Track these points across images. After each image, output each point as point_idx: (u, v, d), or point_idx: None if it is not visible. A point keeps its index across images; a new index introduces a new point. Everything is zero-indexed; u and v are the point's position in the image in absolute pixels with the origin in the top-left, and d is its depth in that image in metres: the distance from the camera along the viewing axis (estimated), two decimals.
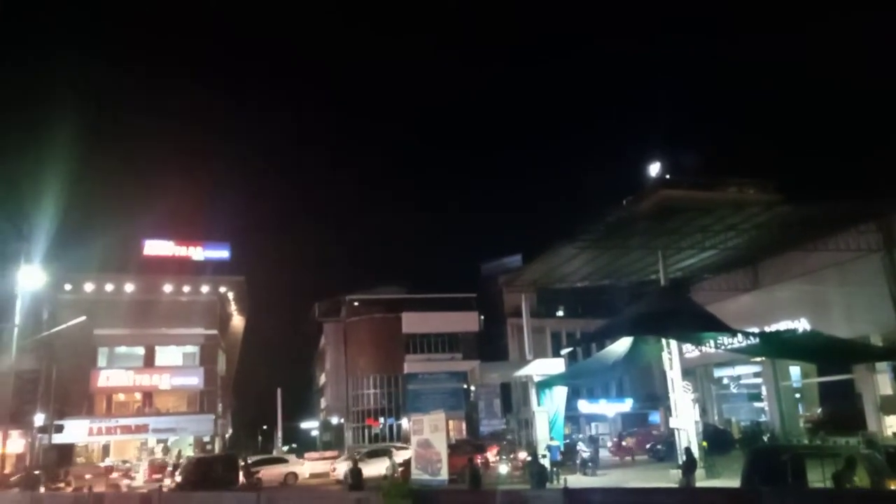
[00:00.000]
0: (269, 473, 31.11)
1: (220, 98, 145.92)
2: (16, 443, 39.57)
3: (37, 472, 34.64)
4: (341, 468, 31.53)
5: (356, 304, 63.19)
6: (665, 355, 24.62)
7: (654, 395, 45.74)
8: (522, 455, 30.33)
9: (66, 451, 45.82)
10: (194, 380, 51.05)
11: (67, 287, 47.65)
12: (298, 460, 34.91)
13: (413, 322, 58.49)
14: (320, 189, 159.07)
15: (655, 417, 47.93)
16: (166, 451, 48.16)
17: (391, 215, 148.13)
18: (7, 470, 32.95)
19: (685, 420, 23.58)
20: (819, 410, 32.21)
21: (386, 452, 33.87)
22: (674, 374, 24.29)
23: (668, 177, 22.40)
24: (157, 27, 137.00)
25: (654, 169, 22.85)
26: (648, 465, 30.46)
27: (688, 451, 20.65)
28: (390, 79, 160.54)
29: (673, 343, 24.67)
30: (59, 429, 43.49)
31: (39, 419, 42.16)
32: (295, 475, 31.26)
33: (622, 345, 26.14)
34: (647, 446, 34.93)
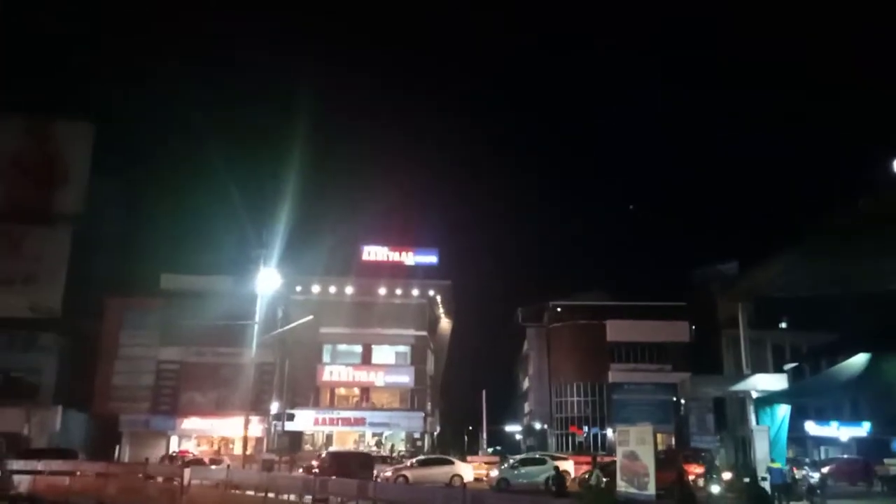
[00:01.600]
0: (435, 473, 31.00)
1: (425, 103, 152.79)
2: (255, 428, 44.60)
3: (271, 456, 38.76)
4: (494, 473, 32.16)
5: (559, 309, 62.91)
6: None
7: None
8: (727, 475, 28.31)
9: (296, 438, 50.82)
10: (405, 378, 54.02)
11: (298, 289, 52.65)
12: (464, 463, 34.40)
13: (618, 330, 57.03)
14: (524, 194, 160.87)
15: None
16: (379, 444, 51.49)
17: (596, 219, 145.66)
18: (248, 451, 37.15)
19: None
20: None
21: (445, 462, 33.38)
22: None
23: None
24: (371, 30, 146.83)
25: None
26: (887, 498, 26.93)
27: None
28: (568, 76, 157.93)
29: None
30: (291, 417, 48.29)
31: (274, 407, 47.23)
32: (461, 477, 30.87)
33: (858, 361, 23.42)
34: (883, 477, 31.25)
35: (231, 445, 48.14)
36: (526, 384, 74.62)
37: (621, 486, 22.71)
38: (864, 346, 22.73)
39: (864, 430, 42.83)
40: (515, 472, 31.78)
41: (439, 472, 31.32)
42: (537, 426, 65.02)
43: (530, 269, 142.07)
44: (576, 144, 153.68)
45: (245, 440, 35.57)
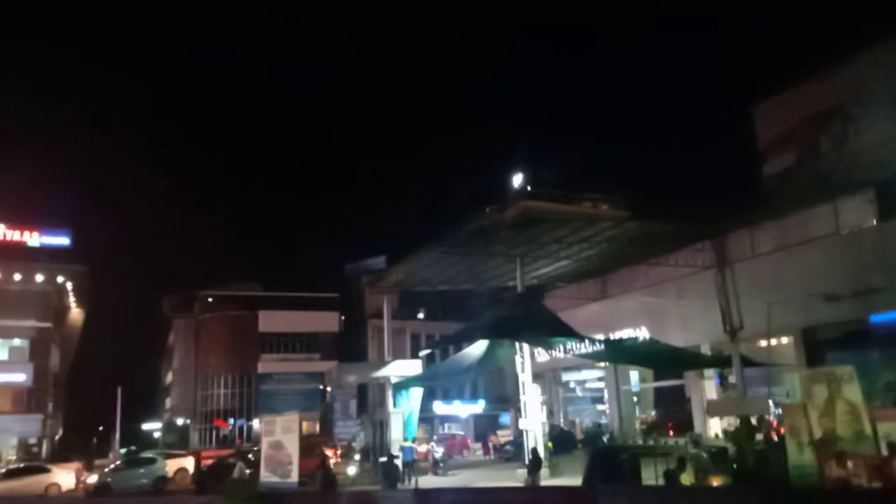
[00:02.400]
0: (28, 484, 26.96)
1: (68, 78, 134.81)
2: None
3: None
4: (93, 479, 28.40)
5: (210, 300, 60.42)
6: (518, 359, 25.56)
7: (505, 397, 47.21)
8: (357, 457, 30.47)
9: None
10: (22, 376, 46.65)
11: None
12: (61, 471, 30.04)
13: (270, 320, 56.83)
14: (176, 181, 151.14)
15: (506, 419, 49.58)
16: None
17: (253, 210, 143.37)
18: None
19: (533, 421, 24.57)
20: (654, 413, 34.68)
21: (41, 470, 29.64)
22: (525, 377, 25.27)
23: (529, 188, 23.30)
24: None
25: (518, 179, 23.68)
26: (497, 465, 31.43)
27: (534, 451, 21.52)
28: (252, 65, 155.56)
29: (525, 347, 25.69)
30: None
31: None
32: (58, 485, 27.60)
33: (478, 348, 26.89)
34: (495, 446, 36.68)
35: None
36: (169, 378, 70.13)
37: (265, 475, 22.70)
38: (483, 334, 26.07)
39: (480, 406, 49.30)
40: (119, 474, 28.28)
41: (33, 482, 27.29)
42: (179, 421, 61.57)
43: (180, 258, 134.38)
44: (245, 133, 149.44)
45: None
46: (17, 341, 48.00)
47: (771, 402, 20.87)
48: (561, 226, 24.55)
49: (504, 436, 40.34)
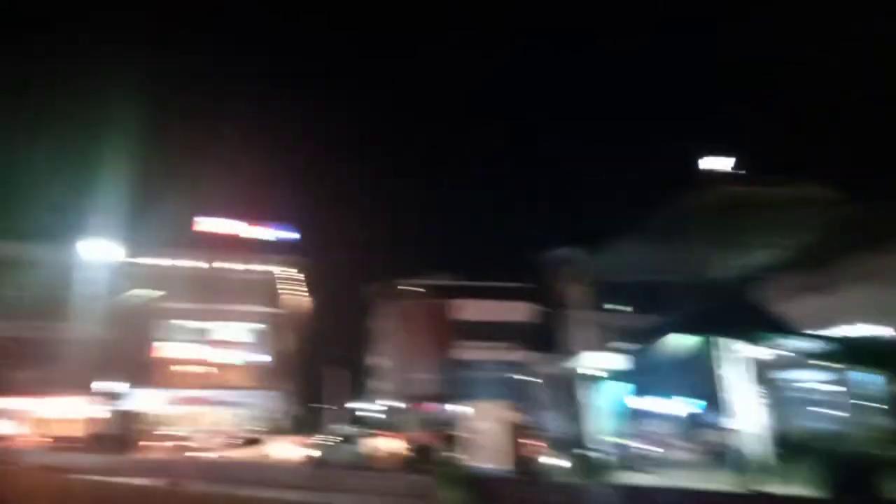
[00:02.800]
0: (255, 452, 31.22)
1: (277, 82, 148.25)
2: (88, 408, 41.72)
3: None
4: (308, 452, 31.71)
5: (412, 289, 63.80)
6: (724, 355, 24.17)
7: (713, 395, 44.70)
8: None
9: (136, 418, 48.02)
10: (258, 355, 52.64)
11: (140, 261, 49.62)
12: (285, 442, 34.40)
13: (467, 309, 58.71)
14: (385, 174, 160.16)
15: (713, 418, 46.88)
16: (231, 423, 49.88)
17: (449, 203, 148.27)
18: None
19: (747, 422, 23.15)
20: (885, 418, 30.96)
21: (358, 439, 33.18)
22: (734, 373, 23.83)
23: (731, 172, 21.89)
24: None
25: (718, 163, 22.35)
26: (705, 466, 29.90)
27: (747, 453, 20.27)
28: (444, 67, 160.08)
29: (733, 342, 24.18)
30: (129, 396, 45.68)
31: (110, 386, 44.30)
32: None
33: (681, 342, 25.81)
34: (705, 445, 34.73)
35: (58, 427, 44.77)
36: (379, 362, 75.09)
37: (473, 460, 23.66)
38: (683, 328, 24.99)
39: (685, 403, 47.11)
40: (331, 449, 31.58)
41: (258, 451, 31.44)
42: (393, 403, 65.72)
43: (387, 249, 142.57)
44: (430, 127, 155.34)
45: (81, 421, 33.24)
46: (252, 324, 54.20)
47: None
48: (769, 210, 22.76)
49: (714, 435, 38.28)
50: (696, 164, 22.88)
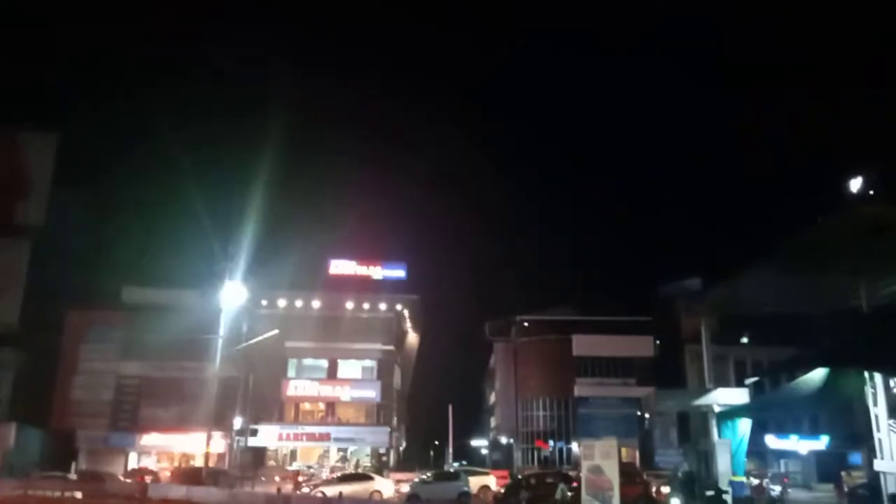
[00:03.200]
0: (355, 490, 30.13)
1: (398, 118, 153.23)
2: (217, 443, 43.82)
3: (231, 471, 37.94)
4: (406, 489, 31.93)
5: (526, 324, 63.20)
6: (868, 389, 22.16)
7: (854, 434, 41.13)
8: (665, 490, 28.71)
9: (259, 454, 50.06)
10: (371, 393, 53.68)
11: (264, 303, 52.12)
12: (383, 479, 34.34)
13: (584, 345, 57.45)
14: (494, 209, 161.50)
15: (857, 458, 43.10)
16: (344, 459, 50.96)
17: (564, 235, 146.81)
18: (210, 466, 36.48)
19: (892, 463, 21.03)
20: None
21: (365, 478, 33.05)
22: (879, 410, 21.77)
23: (871, 192, 20.22)
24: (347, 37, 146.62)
25: (857, 184, 20.74)
26: None
27: (893, 497, 18.38)
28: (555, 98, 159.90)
29: (878, 376, 22.13)
30: (254, 432, 47.45)
31: (237, 423, 46.48)
32: (380, 493, 30.60)
33: (817, 376, 23.93)
34: (846, 489, 31.91)
35: (192, 462, 47.30)
36: (493, 398, 74.65)
37: (586, 500, 22.82)
38: (822, 361, 23.16)
39: (822, 443, 43.61)
40: (427, 486, 30.96)
41: (359, 488, 30.51)
42: (503, 440, 64.98)
43: (498, 284, 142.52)
44: (545, 163, 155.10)
45: (207, 456, 34.91)
46: (367, 362, 55.45)
47: None
48: None
49: (858, 477, 35.14)
50: (835, 184, 21.36)
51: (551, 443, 58.26)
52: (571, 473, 36.55)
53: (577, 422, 56.07)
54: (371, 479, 33.08)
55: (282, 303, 53.20)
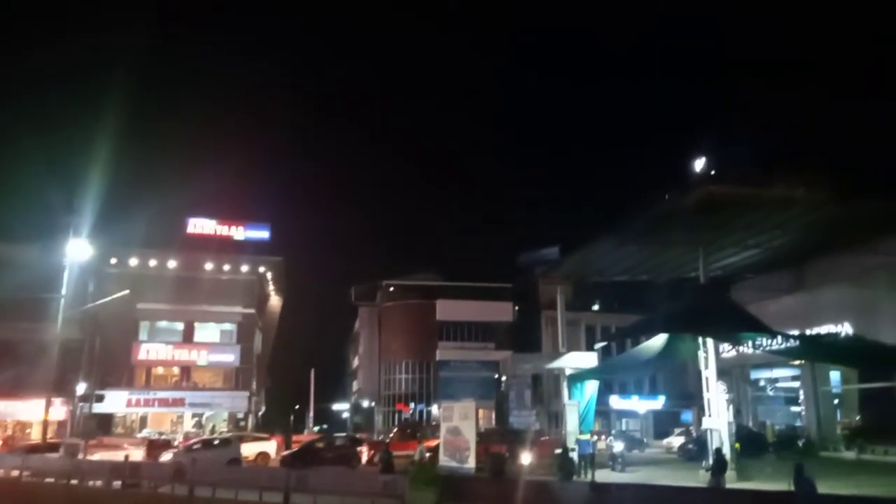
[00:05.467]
0: (218, 455, 27.77)
1: (265, 79, 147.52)
2: (58, 410, 40.85)
3: (76, 440, 35.57)
4: (166, 457, 28.40)
5: (391, 289, 63.52)
6: (701, 354, 24.24)
7: (687, 394, 45.10)
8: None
9: (106, 421, 47.25)
10: (231, 357, 52.06)
11: (113, 261, 48.85)
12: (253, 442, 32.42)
13: (447, 309, 58.59)
14: (361, 174, 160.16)
15: (688, 416, 47.30)
16: (199, 425, 49.30)
17: (429, 202, 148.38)
18: (49, 436, 33.97)
19: (718, 420, 23.21)
20: (858, 418, 31.42)
21: (226, 442, 30.59)
22: (709, 373, 23.91)
23: (713, 172, 21.87)
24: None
25: (699, 164, 22.34)
26: (678, 464, 30.07)
27: (718, 451, 20.32)
28: (434, 63, 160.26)
29: (709, 342, 24.26)
30: (100, 398, 44.74)
31: (81, 388, 43.51)
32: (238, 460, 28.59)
33: (657, 341, 25.84)
34: (678, 445, 34.87)
35: (28, 430, 43.88)
36: (356, 363, 74.78)
37: (444, 460, 23.52)
38: (663, 327, 24.99)
39: (659, 403, 47.43)
40: (194, 454, 27.55)
41: (221, 454, 28.22)
42: (365, 404, 65.46)
43: (364, 249, 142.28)
44: (422, 129, 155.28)
45: (45, 424, 32.43)
46: (226, 325, 53.56)
47: None
48: (749, 211, 22.82)
49: (689, 433, 38.47)
50: (679, 164, 22.87)
51: (412, 405, 59.33)
52: (360, 437, 36.83)
53: (438, 385, 57.36)
54: (229, 443, 31.56)
55: (133, 262, 50.10)
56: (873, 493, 16.52)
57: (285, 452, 31.02)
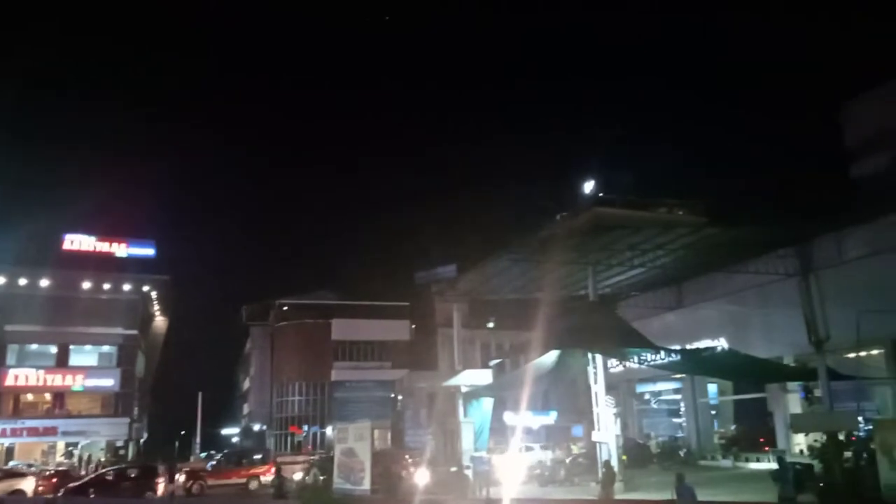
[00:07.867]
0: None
1: (151, 93, 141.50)
2: None
3: None
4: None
5: (285, 308, 61.98)
6: (590, 369, 25.01)
7: (578, 409, 46.30)
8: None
9: None
10: (110, 381, 49.01)
11: None
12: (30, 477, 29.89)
13: (343, 329, 57.88)
14: (253, 191, 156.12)
15: (579, 430, 48.52)
16: (70, 455, 45.94)
17: (325, 220, 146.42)
18: None
19: (607, 434, 23.97)
20: (733, 427, 33.32)
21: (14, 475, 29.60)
22: (598, 388, 24.69)
23: (601, 194, 22.85)
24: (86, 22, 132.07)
25: (589, 186, 23.28)
26: (569, 478, 30.71)
27: (607, 464, 20.98)
28: (325, 76, 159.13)
29: (598, 357, 25.09)
30: None
31: None
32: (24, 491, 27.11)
33: (550, 358, 26.45)
34: (568, 459, 35.72)
35: None
36: (247, 384, 72.30)
37: (338, 482, 23.00)
38: (554, 344, 25.62)
39: (552, 418, 48.38)
40: None
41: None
42: (256, 427, 63.31)
43: (257, 268, 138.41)
44: (316, 145, 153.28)
45: None
46: (105, 348, 50.42)
47: (860, 418, 19.74)
48: (635, 233, 23.96)
49: (580, 447, 39.41)
50: (572, 187, 23.76)
51: (305, 428, 57.91)
52: (156, 466, 34.09)
53: (332, 406, 56.30)
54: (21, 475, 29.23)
55: (1, 280, 46.40)
56: (746, 500, 17.62)
57: (72, 484, 27.42)
